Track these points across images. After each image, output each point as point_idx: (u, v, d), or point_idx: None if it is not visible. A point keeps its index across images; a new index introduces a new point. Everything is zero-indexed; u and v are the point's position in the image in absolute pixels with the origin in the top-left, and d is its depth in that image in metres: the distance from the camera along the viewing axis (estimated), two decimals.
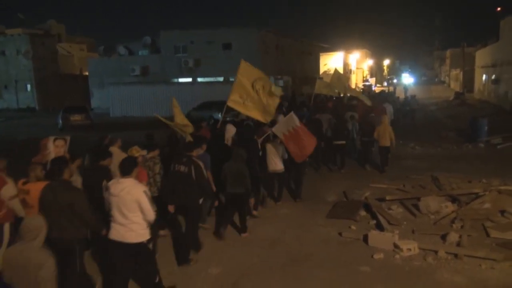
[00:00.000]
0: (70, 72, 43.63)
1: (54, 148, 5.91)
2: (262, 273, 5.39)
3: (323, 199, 8.57)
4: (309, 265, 5.60)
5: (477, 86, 38.54)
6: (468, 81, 40.42)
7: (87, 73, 39.99)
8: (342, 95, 19.58)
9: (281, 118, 8.76)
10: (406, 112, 21.05)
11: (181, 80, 33.07)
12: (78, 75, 43.95)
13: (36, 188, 4.41)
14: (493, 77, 30.45)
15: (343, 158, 11.02)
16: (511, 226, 6.44)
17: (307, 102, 17.27)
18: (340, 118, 11.88)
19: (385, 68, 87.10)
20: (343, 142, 10.80)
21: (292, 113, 8.17)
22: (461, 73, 42.72)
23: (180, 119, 7.99)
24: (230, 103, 8.29)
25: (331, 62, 51.85)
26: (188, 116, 23.68)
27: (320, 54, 47.41)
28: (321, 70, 48.36)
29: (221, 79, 31.98)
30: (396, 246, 5.84)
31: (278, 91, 8.41)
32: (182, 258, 5.58)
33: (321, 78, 43.34)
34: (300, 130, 7.82)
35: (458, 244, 5.96)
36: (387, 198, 8.06)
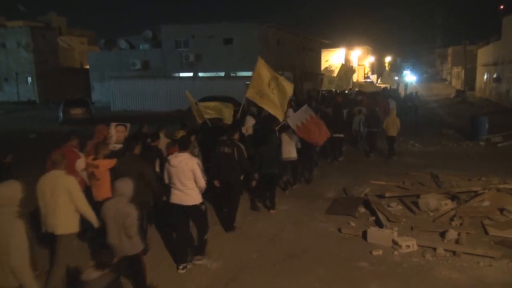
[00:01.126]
0: (70, 65, 43.56)
1: (116, 132, 6.99)
2: (261, 268, 5.41)
3: (322, 195, 8.58)
4: (307, 260, 5.62)
5: (478, 84, 38.49)
6: (470, 79, 40.36)
7: (87, 67, 39.91)
8: (349, 89, 20.49)
9: (290, 112, 9.15)
10: (409, 108, 21.31)
11: (182, 74, 33.00)
12: (79, 68, 43.88)
13: (103, 164, 5.46)
14: (495, 75, 30.40)
15: (341, 149, 11.81)
16: (510, 224, 6.46)
17: (315, 96, 18.06)
18: (338, 112, 12.37)
19: (386, 65, 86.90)
20: (341, 135, 11.35)
21: (306, 106, 9.10)
22: (463, 71, 42.65)
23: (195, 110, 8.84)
24: (248, 95, 8.75)
25: (333, 58, 51.71)
26: (188, 110, 23.75)
27: (322, 50, 47.23)
28: (323, 67, 48.23)
29: (222, 74, 31.93)
30: (395, 242, 5.86)
31: (291, 87, 8.75)
32: (228, 226, 6.62)
33: (322, 75, 43.28)
34: (314, 121, 8.49)
35: (457, 242, 5.98)
36: (387, 195, 8.07)
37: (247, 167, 6.73)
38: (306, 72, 40.11)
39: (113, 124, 7.06)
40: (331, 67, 51.16)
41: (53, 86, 37.71)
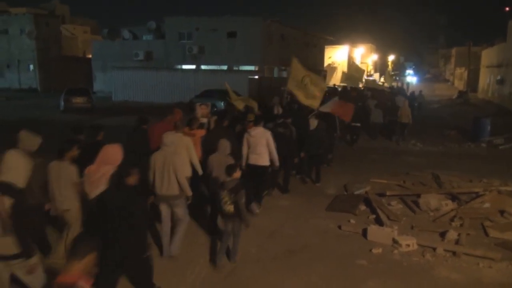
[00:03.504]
0: (73, 54, 43.45)
1: (200, 110, 8.42)
2: (260, 262, 5.41)
3: (323, 192, 8.57)
4: (306, 256, 5.61)
5: (481, 85, 38.38)
6: (473, 80, 40.22)
7: (90, 56, 39.80)
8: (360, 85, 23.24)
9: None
10: (414, 107, 21.59)
11: (185, 67, 32.92)
12: (81, 57, 43.78)
13: (198, 132, 6.98)
14: (498, 77, 30.29)
15: (357, 137, 13.55)
16: (510, 226, 6.44)
17: (337, 91, 20.29)
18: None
19: (389, 63, 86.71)
20: (358, 124, 13.02)
21: (337, 98, 11.85)
22: (466, 72, 42.49)
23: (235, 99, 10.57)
24: (288, 88, 10.72)
25: (336, 55, 51.55)
26: (190, 103, 23.73)
27: (325, 46, 47.07)
28: (326, 63, 48.07)
29: (225, 67, 31.84)
30: (395, 241, 5.85)
31: (323, 81, 10.96)
32: (285, 189, 8.25)
33: (325, 71, 43.20)
34: (340, 104, 10.83)
35: (457, 242, 5.97)
36: (387, 193, 8.05)
37: (295, 145, 8.26)
38: (309, 68, 39.93)
39: (197, 104, 8.70)
40: (334, 63, 51.04)
41: (55, 74, 37.62)
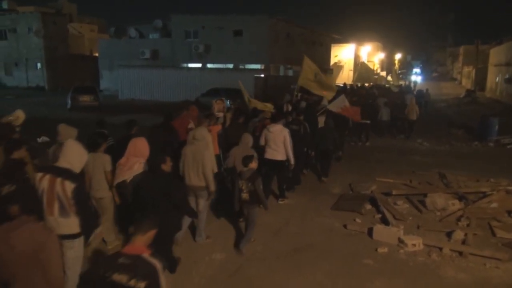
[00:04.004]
0: (80, 52, 43.63)
1: (216, 105, 8.65)
2: (266, 261, 5.41)
3: (328, 191, 8.55)
4: (311, 255, 5.61)
5: (489, 84, 38.02)
6: (480, 79, 39.87)
7: (97, 54, 39.97)
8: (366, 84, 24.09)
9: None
10: (421, 104, 21.80)
11: (191, 65, 32.95)
12: (88, 55, 43.94)
13: (215, 128, 7.06)
14: (507, 76, 29.99)
15: (368, 134, 13.81)
16: None
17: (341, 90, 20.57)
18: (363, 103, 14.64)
19: (396, 62, 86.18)
20: (368, 121, 13.27)
21: (343, 95, 11.46)
22: (474, 70, 42.13)
23: (247, 98, 10.86)
24: (300, 83, 11.49)
25: (342, 53, 51.29)
26: (196, 101, 23.71)
27: (332, 45, 46.87)
28: (332, 62, 47.86)
29: (231, 65, 31.81)
30: (400, 241, 5.82)
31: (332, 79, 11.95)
32: (296, 182, 8.54)
33: (331, 70, 43.08)
34: (348, 107, 10.96)
35: (464, 242, 5.93)
36: (394, 192, 8.01)
37: (309, 141, 8.64)
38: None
39: (213, 100, 8.98)
40: (340, 62, 50.81)
41: (62, 72, 37.82)
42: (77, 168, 4.02)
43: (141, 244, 2.83)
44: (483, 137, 14.53)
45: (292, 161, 7.38)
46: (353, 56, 51.07)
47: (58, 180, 3.75)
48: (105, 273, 2.67)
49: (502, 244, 5.93)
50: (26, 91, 35.08)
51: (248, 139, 6.49)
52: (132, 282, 2.62)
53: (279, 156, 7.29)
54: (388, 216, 6.79)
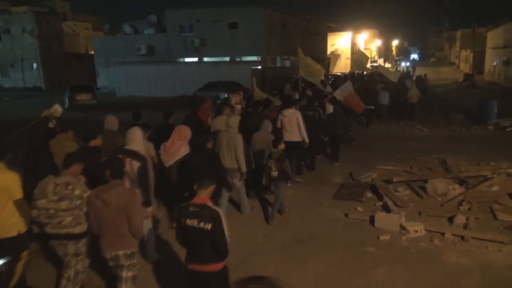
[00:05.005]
0: (75, 51, 43.46)
1: (234, 98, 9.90)
2: (268, 252, 5.42)
3: (329, 180, 8.55)
4: (314, 245, 5.62)
5: (487, 67, 37.88)
6: (479, 62, 39.69)
7: (92, 52, 39.79)
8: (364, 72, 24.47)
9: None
10: (421, 89, 21.97)
11: (187, 59, 32.81)
12: (84, 54, 43.80)
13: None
14: (505, 58, 29.86)
15: (371, 118, 14.58)
16: None
17: (348, 77, 21.06)
18: (366, 89, 15.48)
19: (393, 49, 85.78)
20: (372, 107, 14.12)
21: (349, 81, 12.44)
22: (472, 54, 41.92)
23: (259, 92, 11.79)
24: (301, 73, 12.28)
25: (339, 42, 51.03)
26: (194, 96, 23.62)
27: (328, 34, 46.61)
28: (329, 51, 47.64)
29: (227, 59, 31.67)
30: (402, 227, 5.83)
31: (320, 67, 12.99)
32: (311, 167, 9.22)
33: (329, 59, 42.88)
34: (353, 94, 11.37)
35: (465, 226, 5.94)
36: (394, 180, 8.02)
37: (323, 126, 9.44)
38: (312, 56, 39.57)
39: (230, 95, 10.00)
40: (337, 51, 50.57)
41: (58, 72, 37.70)
42: (140, 150, 4.92)
43: (204, 196, 3.53)
44: (483, 121, 14.50)
45: (307, 140, 8.06)
46: (350, 44, 50.81)
47: (128, 160, 4.54)
48: (181, 220, 3.49)
49: (503, 227, 5.94)
50: (23, 92, 35.00)
51: (267, 125, 7.26)
52: (201, 225, 3.38)
53: (295, 137, 7.96)
54: (389, 203, 6.79)
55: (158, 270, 4.98)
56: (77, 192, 3.87)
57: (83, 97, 21.38)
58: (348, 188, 7.86)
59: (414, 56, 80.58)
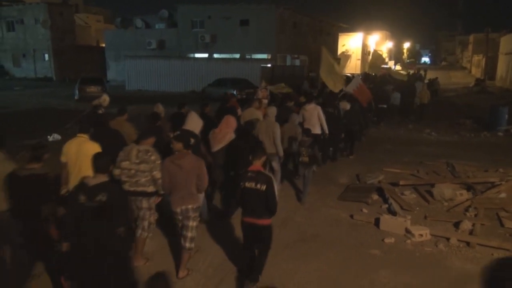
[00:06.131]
0: (87, 43, 43.70)
1: (261, 93, 10.92)
2: (272, 251, 5.35)
3: (335, 181, 8.54)
4: (318, 245, 5.62)
5: (499, 73, 37.44)
6: (491, 68, 39.26)
7: (103, 45, 40.00)
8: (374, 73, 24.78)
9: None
10: (432, 93, 22.18)
11: (197, 55, 32.85)
12: (95, 46, 44.01)
13: (262, 111, 8.20)
14: None
15: (383, 116, 15.29)
16: None
17: (363, 77, 21.29)
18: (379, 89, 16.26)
19: (404, 51, 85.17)
20: (385, 105, 15.13)
21: (358, 76, 13.06)
22: (484, 59, 41.47)
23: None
24: (322, 74, 12.29)
25: (350, 42, 50.75)
26: (203, 92, 23.67)
27: (339, 34, 46.38)
28: (339, 51, 47.41)
29: (237, 55, 31.66)
30: (407, 231, 5.82)
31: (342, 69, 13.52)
32: (334, 156, 10.10)
33: (339, 59, 42.78)
34: (362, 87, 12.40)
35: (471, 233, 5.91)
36: (401, 183, 7.98)
37: (341, 122, 9.96)
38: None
39: (257, 89, 11.29)
40: (348, 51, 50.30)
41: (69, 63, 37.96)
42: (196, 130, 5.92)
43: (258, 164, 4.46)
44: (492, 127, 14.37)
45: (327, 131, 8.77)
46: (361, 45, 50.53)
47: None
48: (241, 183, 4.40)
49: (510, 234, 5.89)
50: (34, 82, 35.29)
51: (295, 117, 8.23)
52: (258, 186, 4.28)
53: (316, 130, 8.48)
54: (395, 206, 6.77)
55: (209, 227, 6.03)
56: (153, 157, 4.78)
57: (93, 89, 21.48)
58: (354, 189, 7.85)
59: (425, 59, 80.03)
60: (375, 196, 7.44)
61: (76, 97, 21.51)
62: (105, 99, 8.51)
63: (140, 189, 4.79)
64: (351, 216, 6.57)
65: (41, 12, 37.66)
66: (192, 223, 4.64)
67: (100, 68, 37.27)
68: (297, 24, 34.82)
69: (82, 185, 3.71)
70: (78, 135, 5.28)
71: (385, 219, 6.14)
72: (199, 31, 32.75)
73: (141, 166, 4.76)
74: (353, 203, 7.15)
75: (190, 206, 4.60)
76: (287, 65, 33.60)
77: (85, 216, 3.56)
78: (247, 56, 31.65)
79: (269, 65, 27.79)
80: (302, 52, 35.49)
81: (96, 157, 3.84)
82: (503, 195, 7.15)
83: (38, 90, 28.29)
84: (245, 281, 4.48)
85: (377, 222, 6.19)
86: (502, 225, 6.20)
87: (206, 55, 32.46)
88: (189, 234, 4.63)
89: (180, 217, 4.63)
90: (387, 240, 5.69)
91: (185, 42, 33.45)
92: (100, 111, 8.16)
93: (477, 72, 47.91)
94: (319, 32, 39.66)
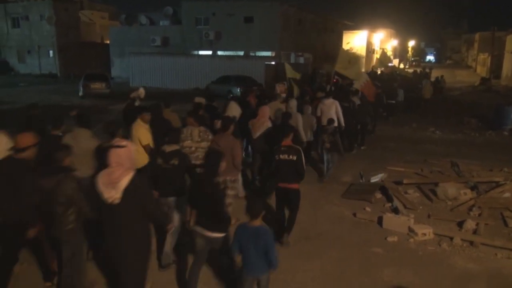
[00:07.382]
0: (91, 39, 43.75)
1: (279, 88, 11.57)
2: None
3: (338, 179, 8.52)
4: (321, 243, 5.63)
5: (505, 72, 37.19)
6: (496, 66, 38.99)
7: (108, 42, 40.05)
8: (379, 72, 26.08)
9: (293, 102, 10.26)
10: (438, 90, 23.52)
11: (201, 52, 32.82)
12: (99, 43, 44.06)
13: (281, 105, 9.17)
14: None
15: (392, 111, 16.10)
16: None
17: (371, 75, 22.19)
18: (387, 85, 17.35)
19: (409, 49, 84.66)
20: (393, 101, 15.93)
21: (364, 72, 14.63)
22: (489, 58, 41.18)
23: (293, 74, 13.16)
24: (336, 68, 13.09)
25: (355, 40, 50.52)
26: (207, 89, 23.66)
27: (344, 32, 46.18)
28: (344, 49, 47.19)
29: (241, 53, 31.60)
30: (411, 230, 5.81)
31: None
32: (350, 148, 10.68)
33: (357, 55, 42.67)
34: (368, 83, 13.23)
35: (475, 232, 5.89)
36: (404, 181, 7.96)
37: (354, 116, 10.50)
38: (327, 54, 39.38)
39: (276, 84, 11.66)
40: (352, 49, 50.08)
41: (74, 60, 38.02)
42: (237, 116, 7.69)
43: (288, 140, 5.44)
44: (498, 126, 14.29)
45: (343, 124, 9.43)
46: (366, 43, 50.27)
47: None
48: (275, 155, 5.36)
49: None
50: (39, 78, 35.40)
51: (309, 110, 8.82)
52: (290, 157, 5.25)
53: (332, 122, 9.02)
54: (399, 205, 6.76)
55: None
56: (210, 137, 5.96)
57: (97, 86, 21.56)
58: (357, 187, 7.84)
59: (430, 57, 79.58)
60: (379, 195, 7.43)
61: (80, 94, 21.59)
62: (142, 92, 9.28)
63: (199, 162, 5.71)
64: (354, 215, 6.56)
65: (46, 8, 37.72)
66: (230, 191, 5.65)
67: (104, 64, 37.30)
68: (302, 21, 34.69)
69: (160, 151, 4.87)
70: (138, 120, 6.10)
71: (388, 217, 6.13)
72: (203, 28, 32.71)
73: (202, 144, 5.89)
74: (356, 201, 7.14)
75: (228, 178, 5.55)
76: (292, 62, 33.53)
77: (160, 175, 4.70)
78: (251, 54, 31.58)
79: (273, 63, 27.72)
80: (306, 50, 35.37)
81: (170, 132, 5.07)
82: (507, 194, 7.12)
83: (43, 86, 28.39)
84: (284, 233, 5.42)
85: (380, 221, 6.18)
86: (506, 224, 6.17)
87: (210, 52, 32.42)
88: (228, 200, 5.36)
89: (222, 186, 5.31)
90: (390, 239, 5.68)
91: (189, 39, 33.42)
92: (136, 103, 8.84)
93: (482, 71, 47.59)
94: (324, 30, 39.50)
